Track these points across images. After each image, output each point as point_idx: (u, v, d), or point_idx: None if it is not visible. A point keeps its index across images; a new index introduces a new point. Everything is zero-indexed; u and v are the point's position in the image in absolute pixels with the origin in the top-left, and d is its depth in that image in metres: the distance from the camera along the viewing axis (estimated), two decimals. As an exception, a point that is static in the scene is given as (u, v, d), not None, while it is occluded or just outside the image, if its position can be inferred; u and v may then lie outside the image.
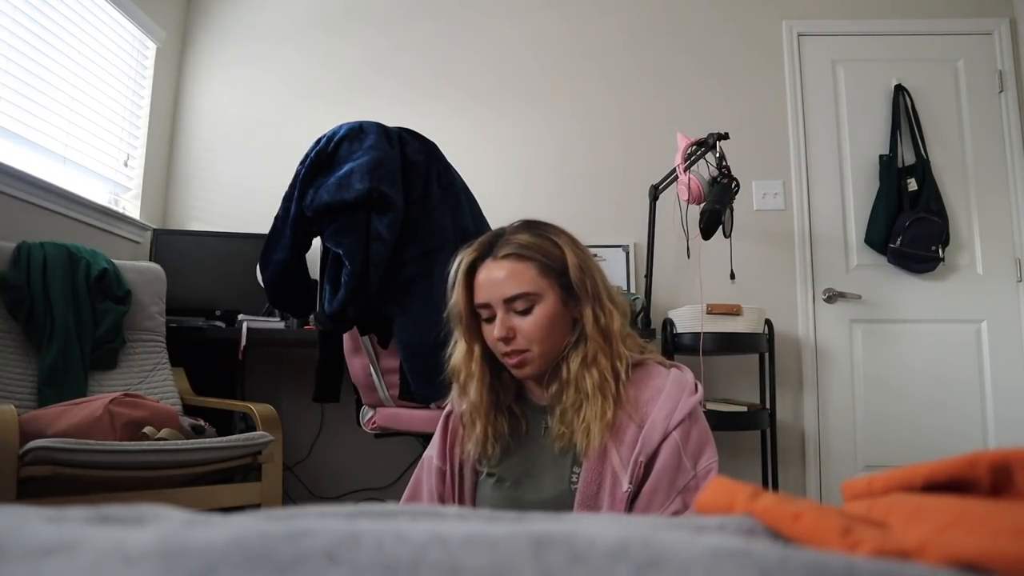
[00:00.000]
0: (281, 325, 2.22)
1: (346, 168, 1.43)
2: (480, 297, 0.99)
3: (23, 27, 1.97)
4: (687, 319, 2.24)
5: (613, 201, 2.66)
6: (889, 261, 2.56)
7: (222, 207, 2.69)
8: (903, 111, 2.65)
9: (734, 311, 2.19)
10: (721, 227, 1.90)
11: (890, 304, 2.58)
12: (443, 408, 1.12)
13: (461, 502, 1.05)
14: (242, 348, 2.05)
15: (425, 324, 1.46)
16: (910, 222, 2.48)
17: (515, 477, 1.02)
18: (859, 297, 2.58)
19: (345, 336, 1.67)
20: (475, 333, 1.02)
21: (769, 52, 2.76)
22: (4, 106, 1.90)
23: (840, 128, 2.70)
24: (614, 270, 2.51)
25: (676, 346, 2.26)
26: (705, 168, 2.01)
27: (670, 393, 0.97)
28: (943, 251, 2.51)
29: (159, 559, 0.23)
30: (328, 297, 1.51)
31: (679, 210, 2.20)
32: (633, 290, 2.51)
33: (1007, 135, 2.66)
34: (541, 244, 0.98)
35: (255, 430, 1.71)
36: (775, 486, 2.35)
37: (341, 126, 1.51)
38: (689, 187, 1.96)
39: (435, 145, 1.63)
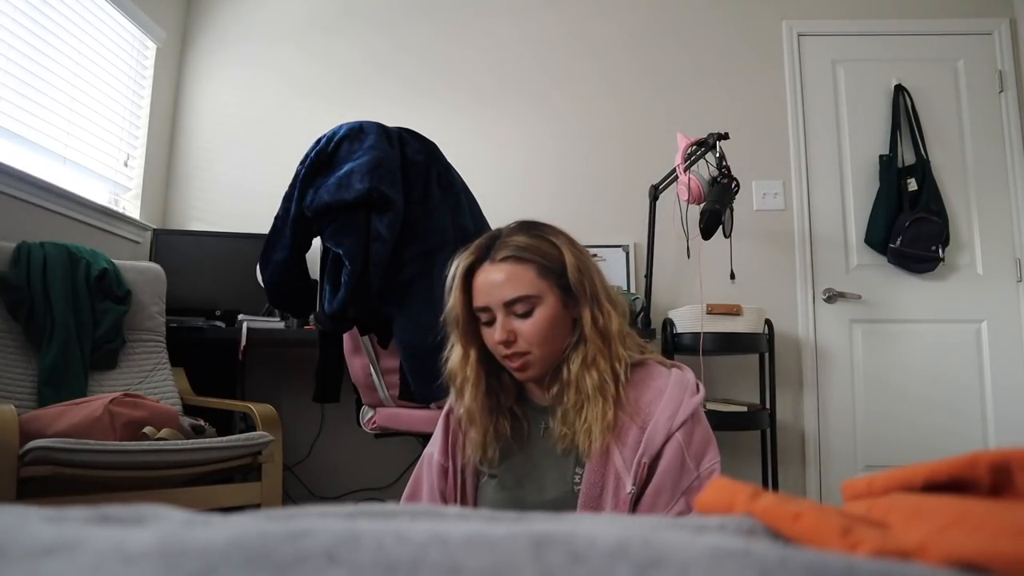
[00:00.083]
0: (281, 325, 2.22)
1: (346, 168, 1.43)
2: (479, 301, 0.98)
3: (23, 27, 1.97)
4: (687, 319, 2.24)
5: (613, 201, 2.66)
6: (889, 261, 2.56)
7: (222, 207, 2.69)
8: (903, 111, 2.65)
9: (734, 311, 2.19)
10: (721, 227, 1.90)
11: (890, 304, 2.58)
12: (443, 408, 1.12)
13: (463, 502, 1.05)
14: (242, 348, 2.05)
15: (425, 324, 1.46)
16: (910, 222, 2.48)
17: (516, 478, 1.02)
18: (859, 297, 2.58)
19: (345, 336, 1.67)
20: (471, 337, 1.01)
21: (769, 52, 2.76)
22: (4, 106, 1.90)
23: (840, 128, 2.70)
24: (614, 270, 2.51)
25: (676, 346, 2.26)
26: (705, 168, 2.01)
27: (672, 394, 0.97)
28: (943, 251, 2.51)
29: (159, 559, 0.23)
30: (328, 297, 1.51)
31: (679, 210, 2.20)
32: (633, 290, 2.51)
33: (1007, 135, 2.66)
34: (539, 245, 0.98)
35: (255, 430, 1.71)
36: (775, 486, 2.35)
37: (341, 126, 1.50)
38: (689, 187, 1.96)
39: (435, 145, 1.63)
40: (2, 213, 1.85)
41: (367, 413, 1.76)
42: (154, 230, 2.48)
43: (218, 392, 2.08)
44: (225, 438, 1.61)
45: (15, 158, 1.92)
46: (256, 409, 1.77)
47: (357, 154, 1.45)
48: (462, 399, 1.02)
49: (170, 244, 2.42)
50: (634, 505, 0.93)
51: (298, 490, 2.47)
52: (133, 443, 1.42)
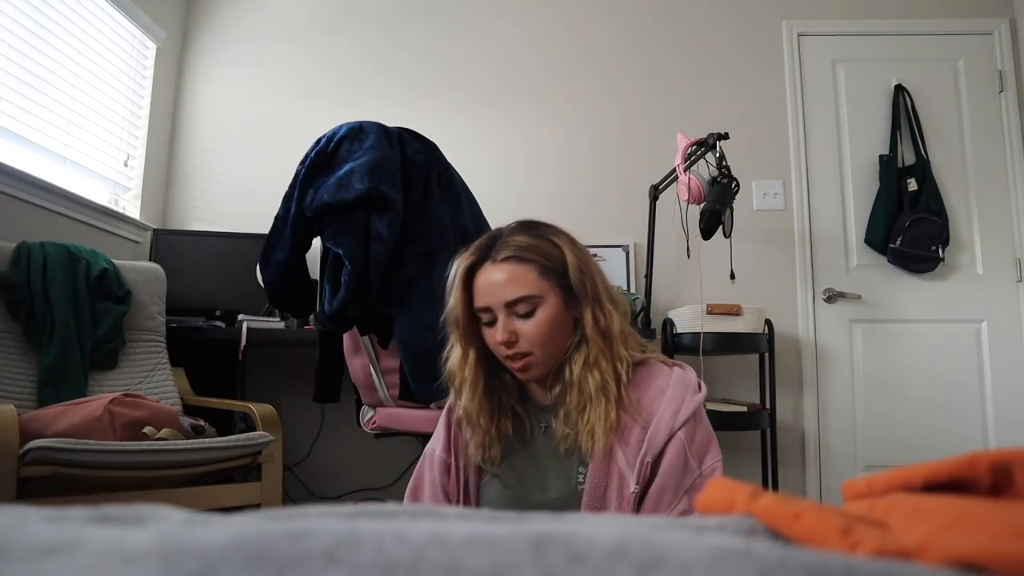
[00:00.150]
0: (281, 325, 2.22)
1: (346, 168, 1.43)
2: (480, 301, 0.98)
3: (23, 27, 1.97)
4: (687, 319, 2.24)
5: (613, 201, 2.66)
6: (889, 261, 2.56)
7: (222, 207, 2.69)
8: (903, 111, 2.65)
9: (734, 311, 2.19)
10: (721, 227, 1.90)
11: (890, 304, 2.58)
12: (443, 408, 1.12)
13: (466, 499, 1.05)
14: (242, 348, 2.05)
15: (425, 324, 1.46)
16: (910, 222, 2.48)
17: (519, 477, 1.02)
18: (859, 297, 2.58)
19: (345, 336, 1.67)
20: (471, 337, 1.01)
21: (769, 52, 2.76)
22: (4, 106, 1.90)
23: (840, 128, 2.70)
24: (614, 270, 2.51)
25: (676, 346, 2.26)
26: (705, 168, 2.01)
27: (674, 393, 0.97)
28: (943, 251, 2.51)
29: (159, 559, 0.23)
30: (328, 297, 1.51)
31: (679, 210, 2.20)
32: (633, 290, 2.51)
33: (1007, 135, 2.66)
34: (540, 245, 0.98)
35: (255, 430, 1.71)
36: (775, 486, 2.35)
37: (341, 126, 1.50)
38: (689, 187, 1.96)
39: (435, 145, 1.63)
40: (2, 213, 1.85)
41: (367, 413, 1.76)
42: (154, 230, 2.48)
43: (218, 392, 2.08)
44: (225, 438, 1.61)
45: (15, 158, 1.92)
46: (256, 409, 1.77)
47: (357, 154, 1.45)
48: (460, 399, 1.02)
49: (170, 244, 2.42)
50: (638, 504, 0.93)
51: (298, 490, 2.47)
52: (133, 443, 1.42)
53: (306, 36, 2.80)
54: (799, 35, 2.75)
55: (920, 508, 0.30)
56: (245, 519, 0.27)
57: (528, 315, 0.96)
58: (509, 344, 0.96)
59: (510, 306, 0.96)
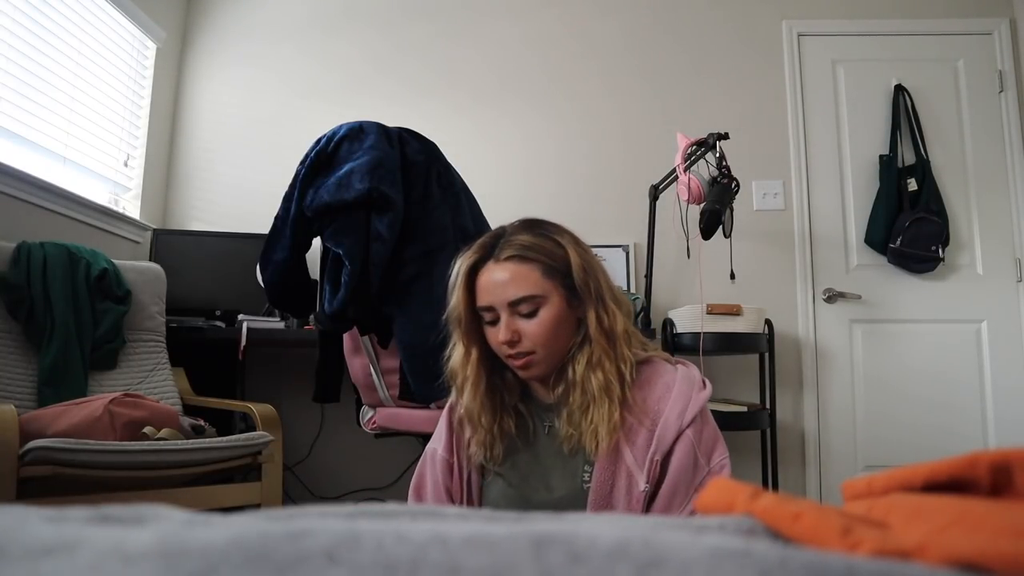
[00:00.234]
0: (281, 325, 2.22)
1: (346, 168, 1.43)
2: (483, 300, 0.97)
3: (23, 27, 1.97)
4: (687, 319, 2.24)
5: (613, 201, 2.66)
6: (889, 261, 2.56)
7: (222, 207, 2.69)
8: (903, 111, 2.65)
9: (734, 311, 2.19)
10: (721, 227, 1.90)
11: (890, 304, 2.58)
12: (443, 408, 1.11)
13: (469, 498, 1.04)
14: (242, 348, 2.05)
15: (425, 324, 1.46)
16: (910, 222, 2.48)
17: (523, 476, 1.01)
18: (859, 297, 2.58)
19: (345, 336, 1.67)
20: (474, 336, 1.01)
21: (769, 52, 2.76)
22: (4, 106, 1.90)
23: (840, 128, 2.70)
24: (614, 270, 2.51)
25: (676, 346, 2.26)
26: (705, 168, 2.01)
27: (680, 391, 0.97)
28: (943, 251, 2.51)
29: (159, 559, 0.23)
30: (328, 297, 1.51)
31: (679, 210, 2.20)
32: (633, 290, 2.51)
33: (1007, 135, 2.66)
34: (544, 244, 0.97)
35: (255, 430, 1.71)
36: (775, 486, 2.35)
37: (341, 126, 1.50)
38: (689, 187, 1.96)
39: (435, 145, 1.63)
40: (2, 213, 1.85)
41: (367, 413, 1.76)
42: (154, 230, 2.48)
43: (218, 392, 2.08)
44: (225, 438, 1.61)
45: (15, 158, 1.92)
46: (256, 409, 1.77)
47: (357, 154, 1.45)
48: (463, 398, 1.02)
49: (170, 244, 2.42)
50: (648, 503, 0.93)
51: (298, 490, 2.47)
52: (133, 443, 1.41)
53: (306, 36, 2.80)
54: (799, 35, 2.75)
55: (920, 508, 0.30)
56: (245, 519, 0.27)
57: (531, 315, 0.95)
58: (511, 344, 0.95)
59: (513, 306, 0.95)
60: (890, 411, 2.53)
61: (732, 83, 2.74)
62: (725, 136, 1.95)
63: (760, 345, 2.28)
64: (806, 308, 2.60)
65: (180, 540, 0.24)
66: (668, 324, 2.32)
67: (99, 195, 2.32)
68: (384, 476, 2.48)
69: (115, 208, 2.36)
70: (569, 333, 0.98)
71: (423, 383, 1.53)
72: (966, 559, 0.24)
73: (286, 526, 0.25)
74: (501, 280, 0.95)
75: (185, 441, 1.52)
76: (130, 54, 2.50)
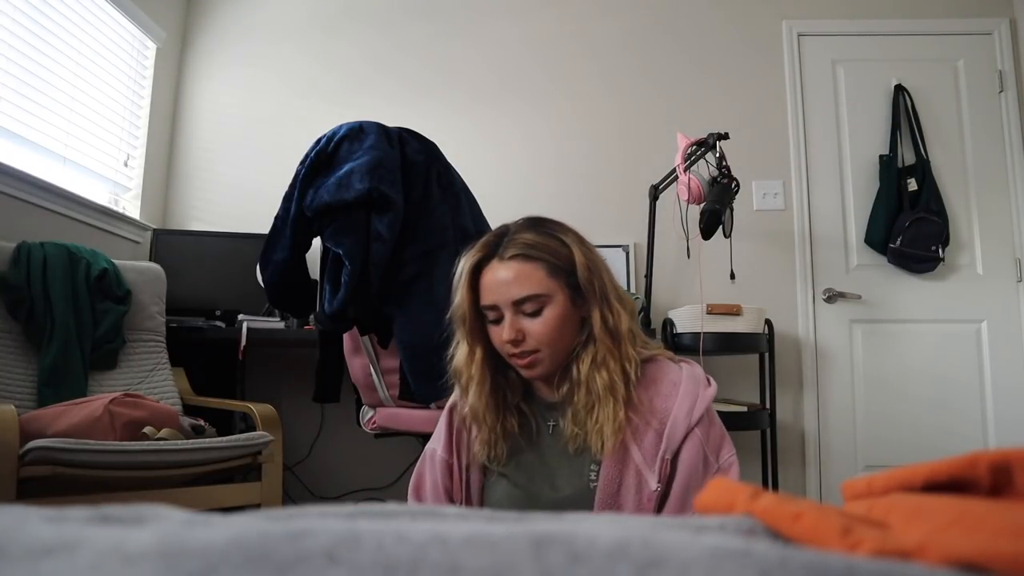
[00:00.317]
0: (281, 325, 2.22)
1: (346, 168, 1.43)
2: (487, 299, 0.97)
3: (23, 27, 1.97)
4: (687, 319, 2.24)
5: (613, 201, 2.66)
6: (889, 261, 2.56)
7: (222, 207, 2.69)
8: (903, 111, 2.65)
9: (734, 311, 2.19)
10: (721, 227, 1.90)
11: (890, 304, 2.58)
12: (443, 408, 1.11)
13: (468, 499, 1.04)
14: (242, 348, 2.05)
15: (425, 324, 1.46)
16: (910, 222, 2.48)
17: (528, 476, 1.01)
18: (859, 297, 2.58)
19: (345, 336, 1.67)
20: (478, 335, 1.00)
21: (769, 52, 2.76)
22: (4, 106, 1.90)
23: (840, 128, 2.70)
24: (614, 270, 2.50)
25: (676, 346, 2.25)
26: (705, 168, 2.01)
27: (687, 389, 0.97)
28: (943, 251, 2.51)
29: (159, 559, 0.23)
30: (328, 297, 1.51)
31: (679, 210, 2.20)
32: (633, 290, 2.51)
33: (1007, 135, 2.66)
34: (548, 243, 0.97)
35: (255, 430, 1.71)
36: (775, 486, 2.35)
37: (341, 126, 1.50)
38: (689, 187, 1.96)
39: (435, 145, 1.63)
40: (2, 213, 1.85)
41: (367, 413, 1.76)
42: (154, 230, 2.48)
43: (218, 392, 2.08)
44: (225, 438, 1.61)
45: (15, 158, 1.92)
46: (256, 409, 1.77)
47: (357, 154, 1.45)
48: (467, 397, 1.01)
49: (170, 244, 2.42)
50: (660, 504, 0.92)
51: (298, 490, 2.47)
52: (133, 443, 1.42)
53: (306, 36, 2.80)
54: (799, 35, 2.75)
55: (920, 508, 0.30)
56: (245, 519, 0.27)
57: (535, 314, 0.95)
58: (515, 343, 0.95)
59: (517, 305, 0.95)
60: (890, 411, 2.53)
61: (732, 83, 2.74)
62: (725, 136, 1.95)
63: (760, 345, 2.28)
64: (806, 308, 2.60)
65: (180, 540, 0.24)
66: (668, 324, 2.31)
67: (99, 195, 2.32)
68: (384, 476, 2.48)
69: (115, 208, 2.36)
70: (573, 332, 0.98)
71: (423, 383, 1.53)
72: (966, 559, 0.24)
73: (286, 526, 0.25)
74: (505, 279, 0.95)
75: (185, 441, 1.52)
76: (130, 54, 2.50)
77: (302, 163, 1.50)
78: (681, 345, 2.24)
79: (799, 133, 2.69)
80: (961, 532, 0.26)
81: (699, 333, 2.12)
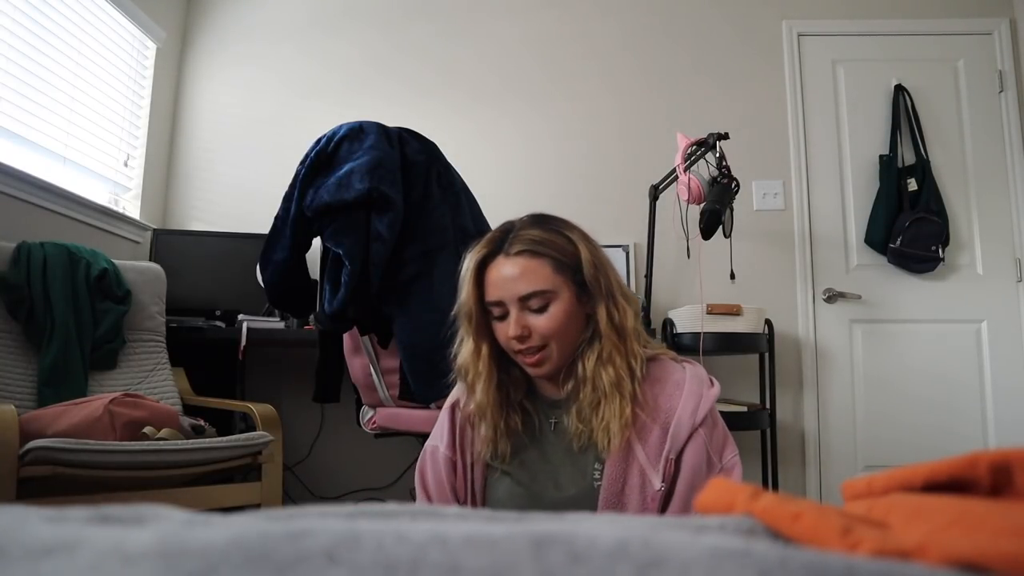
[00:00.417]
0: (281, 325, 2.22)
1: (346, 168, 1.43)
2: (492, 295, 0.96)
3: (23, 27, 1.97)
4: (687, 319, 2.24)
5: (613, 201, 2.66)
6: (889, 261, 2.56)
7: (222, 207, 2.69)
8: (903, 111, 2.65)
9: (734, 311, 2.19)
10: (721, 227, 1.90)
11: (890, 304, 2.58)
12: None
13: (473, 498, 1.03)
14: (242, 348, 2.05)
15: (425, 324, 1.47)
16: (910, 222, 2.48)
17: (531, 475, 1.00)
18: (859, 297, 2.58)
19: (345, 336, 1.67)
20: (484, 331, 0.99)
21: (769, 52, 2.76)
22: (4, 106, 1.90)
23: (840, 128, 2.70)
24: (614, 270, 2.50)
25: (676, 346, 2.25)
26: (705, 168, 2.01)
27: (691, 389, 0.96)
28: (943, 251, 2.51)
29: (159, 559, 0.23)
30: (328, 297, 1.51)
31: (679, 210, 2.20)
32: (633, 290, 2.51)
33: (1007, 135, 2.66)
34: (554, 240, 0.96)
35: (255, 430, 1.71)
36: (775, 486, 2.35)
37: (341, 126, 1.50)
38: (689, 187, 1.96)
39: (435, 145, 1.63)
40: (2, 213, 1.85)
41: (367, 413, 1.76)
42: (154, 230, 2.48)
43: (218, 392, 2.08)
44: (225, 438, 1.61)
45: (15, 158, 1.92)
46: (256, 409, 1.77)
47: (357, 154, 1.45)
48: (474, 394, 1.00)
49: (170, 244, 2.42)
50: (664, 503, 0.92)
51: (298, 490, 2.47)
52: (133, 443, 1.41)
53: (306, 36, 2.80)
54: (799, 35, 2.75)
55: (920, 508, 0.30)
56: (245, 519, 0.27)
57: (541, 310, 0.94)
58: (521, 339, 0.94)
59: (523, 300, 0.94)
60: (890, 411, 2.53)
61: (732, 83, 2.74)
62: (725, 136, 1.95)
63: (760, 345, 2.28)
64: (806, 308, 2.60)
65: (180, 540, 0.24)
66: (668, 324, 2.32)
67: (99, 195, 2.32)
68: (384, 476, 2.48)
69: (115, 208, 2.36)
70: (579, 329, 0.98)
71: (423, 383, 1.53)
72: (966, 559, 0.24)
73: (286, 526, 0.25)
74: (511, 275, 0.94)
75: (185, 441, 1.52)
76: (130, 54, 2.50)
77: (302, 163, 1.50)
78: (681, 345, 2.24)
79: (799, 133, 2.69)
80: (961, 532, 0.26)
81: (699, 333, 2.12)
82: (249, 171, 2.70)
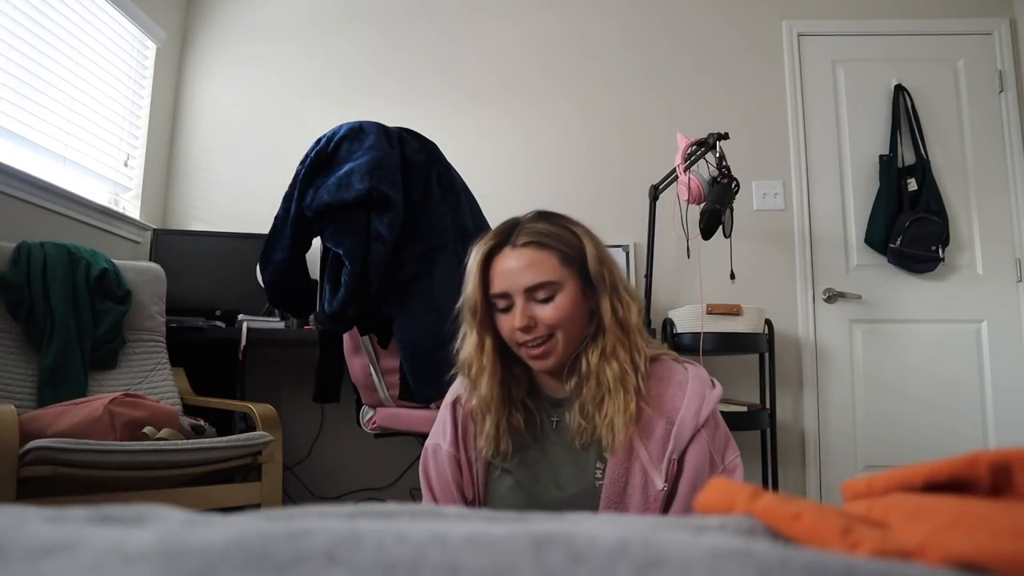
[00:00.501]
0: (281, 325, 2.22)
1: (346, 168, 1.43)
2: (498, 286, 0.96)
3: (23, 27, 1.97)
4: (687, 319, 2.24)
5: (613, 201, 2.66)
6: (889, 261, 2.56)
7: (222, 207, 2.69)
8: (903, 111, 2.65)
9: (734, 311, 2.19)
10: (721, 227, 1.90)
11: (890, 304, 2.58)
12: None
13: (476, 495, 1.03)
14: (242, 348, 2.05)
15: (425, 324, 1.47)
16: (910, 222, 2.48)
17: (532, 473, 1.00)
18: (859, 297, 2.58)
19: (345, 336, 1.67)
20: (488, 325, 0.99)
21: (769, 52, 2.76)
22: (4, 106, 1.90)
23: (840, 128, 2.70)
24: (614, 270, 2.50)
25: (676, 346, 2.25)
26: (705, 168, 2.01)
27: (694, 390, 0.96)
28: (943, 251, 2.51)
29: (159, 559, 0.23)
30: (328, 297, 1.51)
31: (679, 210, 2.20)
32: (633, 290, 2.51)
33: (1007, 135, 2.66)
34: (560, 233, 0.97)
35: (255, 430, 1.71)
36: (775, 486, 2.35)
37: (341, 126, 1.50)
38: (689, 187, 1.96)
39: (435, 145, 1.63)
40: (2, 213, 1.85)
41: (367, 413, 1.76)
42: (154, 230, 2.48)
43: (218, 392, 2.08)
44: (225, 438, 1.61)
45: (15, 158, 1.92)
46: (256, 409, 1.77)
47: (357, 154, 1.45)
48: (478, 389, 0.99)
49: (170, 244, 2.42)
50: (667, 503, 0.92)
51: (298, 490, 2.47)
52: (133, 443, 1.41)
53: (306, 36, 2.80)
54: (799, 35, 2.75)
55: (920, 508, 0.30)
56: (245, 519, 0.27)
57: (547, 300, 0.94)
58: (527, 329, 0.94)
59: (529, 291, 0.94)
60: (890, 411, 2.53)
61: (732, 83, 2.74)
62: (725, 136, 1.94)
63: (760, 345, 2.28)
64: (806, 308, 2.60)
65: (180, 540, 0.24)
66: (668, 324, 2.32)
67: (99, 195, 2.32)
68: (384, 476, 2.48)
69: (115, 208, 2.36)
70: (583, 323, 0.97)
71: (423, 383, 1.53)
72: (966, 559, 0.24)
73: (286, 526, 0.25)
74: (518, 266, 0.94)
75: (185, 441, 1.52)
76: (130, 54, 2.50)
77: (302, 163, 1.50)
78: (681, 345, 2.24)
79: (799, 133, 2.69)
80: (961, 532, 0.26)
81: (699, 333, 2.12)
82: (249, 171, 2.70)
